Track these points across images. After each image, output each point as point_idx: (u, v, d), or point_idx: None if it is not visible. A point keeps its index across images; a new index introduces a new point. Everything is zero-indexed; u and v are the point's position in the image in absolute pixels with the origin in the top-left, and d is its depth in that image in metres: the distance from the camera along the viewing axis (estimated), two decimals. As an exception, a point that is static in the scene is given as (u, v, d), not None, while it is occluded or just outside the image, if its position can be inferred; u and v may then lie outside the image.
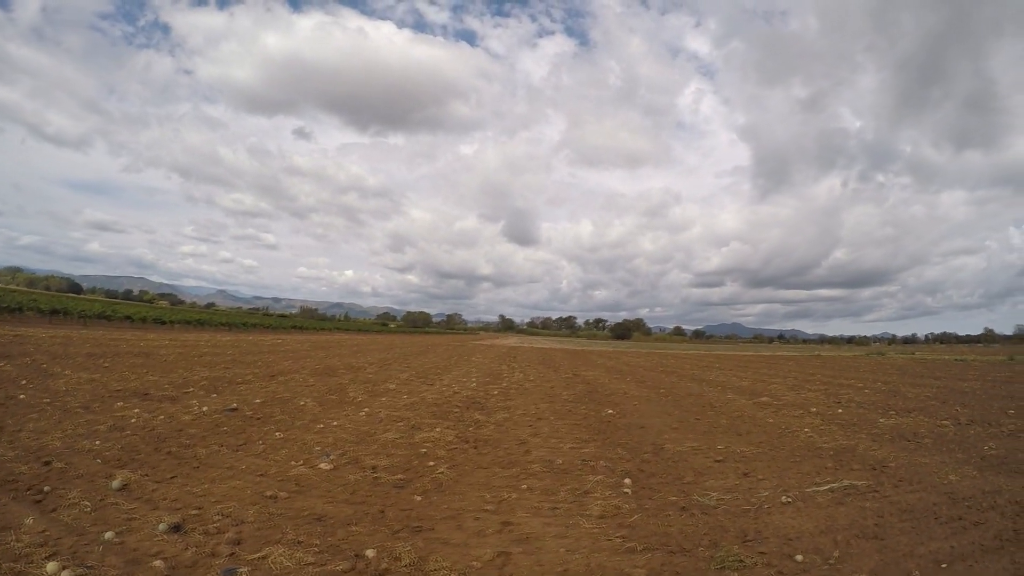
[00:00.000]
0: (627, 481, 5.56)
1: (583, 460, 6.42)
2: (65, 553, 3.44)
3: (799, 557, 3.81)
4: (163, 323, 48.10)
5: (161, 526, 3.87)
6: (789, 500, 5.04)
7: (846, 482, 5.62)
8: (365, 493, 4.97)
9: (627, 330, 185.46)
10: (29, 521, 3.85)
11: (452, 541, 4.01)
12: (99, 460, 5.39)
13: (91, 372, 11.63)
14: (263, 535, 3.90)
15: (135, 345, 21.20)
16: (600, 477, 5.71)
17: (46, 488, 4.52)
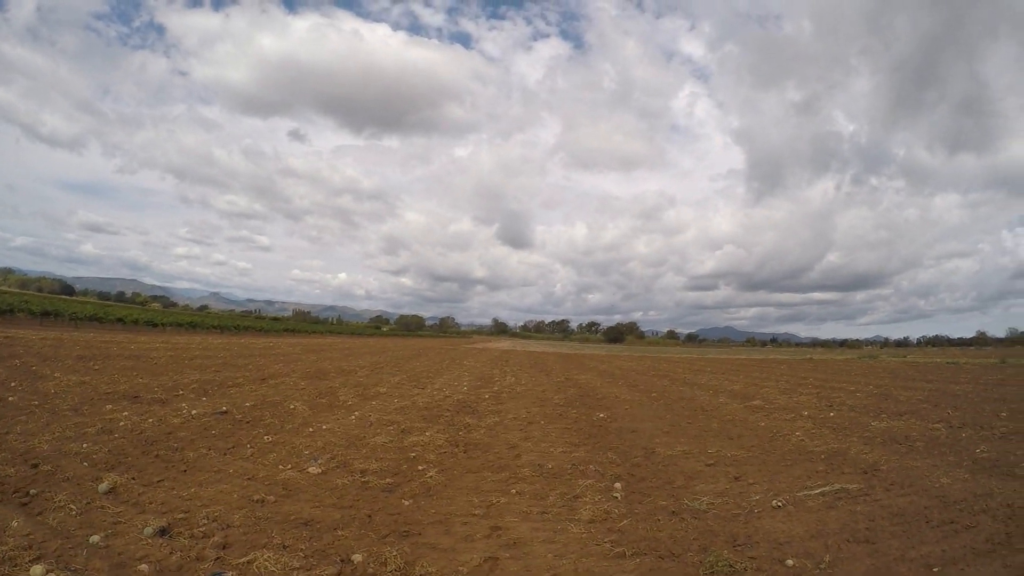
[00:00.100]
0: (617, 485, 5.56)
1: (573, 464, 6.42)
2: (51, 556, 3.41)
3: (790, 561, 3.81)
4: (155, 325, 47.85)
5: (148, 530, 3.85)
6: (780, 504, 5.05)
7: (837, 486, 5.63)
8: (353, 497, 4.94)
9: (620, 334, 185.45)
10: (15, 524, 3.82)
11: (440, 546, 3.99)
12: (87, 463, 5.35)
13: (81, 375, 11.53)
14: (250, 539, 3.88)
15: (126, 348, 21.04)
16: (590, 481, 5.70)
17: (33, 491, 4.49)
